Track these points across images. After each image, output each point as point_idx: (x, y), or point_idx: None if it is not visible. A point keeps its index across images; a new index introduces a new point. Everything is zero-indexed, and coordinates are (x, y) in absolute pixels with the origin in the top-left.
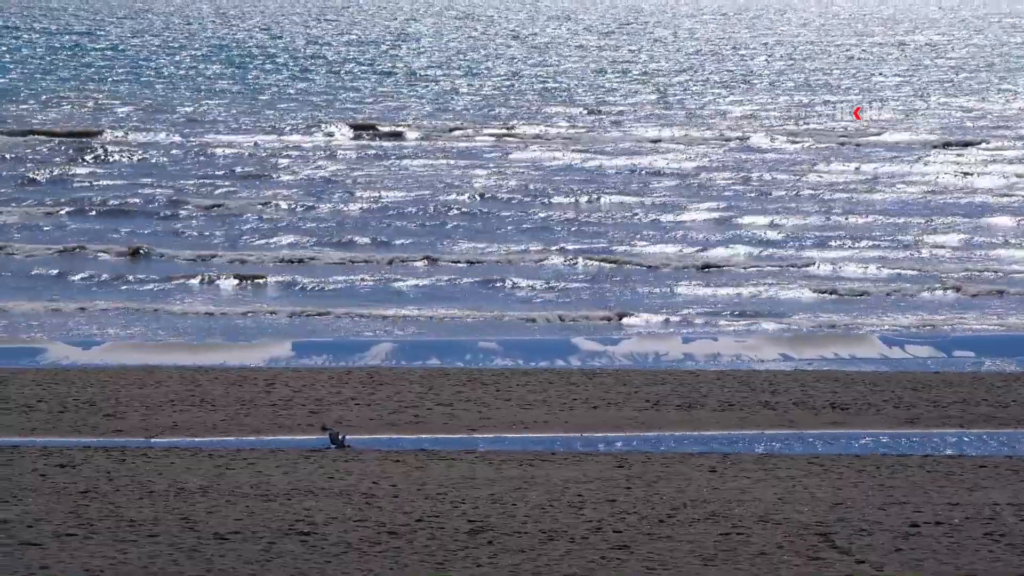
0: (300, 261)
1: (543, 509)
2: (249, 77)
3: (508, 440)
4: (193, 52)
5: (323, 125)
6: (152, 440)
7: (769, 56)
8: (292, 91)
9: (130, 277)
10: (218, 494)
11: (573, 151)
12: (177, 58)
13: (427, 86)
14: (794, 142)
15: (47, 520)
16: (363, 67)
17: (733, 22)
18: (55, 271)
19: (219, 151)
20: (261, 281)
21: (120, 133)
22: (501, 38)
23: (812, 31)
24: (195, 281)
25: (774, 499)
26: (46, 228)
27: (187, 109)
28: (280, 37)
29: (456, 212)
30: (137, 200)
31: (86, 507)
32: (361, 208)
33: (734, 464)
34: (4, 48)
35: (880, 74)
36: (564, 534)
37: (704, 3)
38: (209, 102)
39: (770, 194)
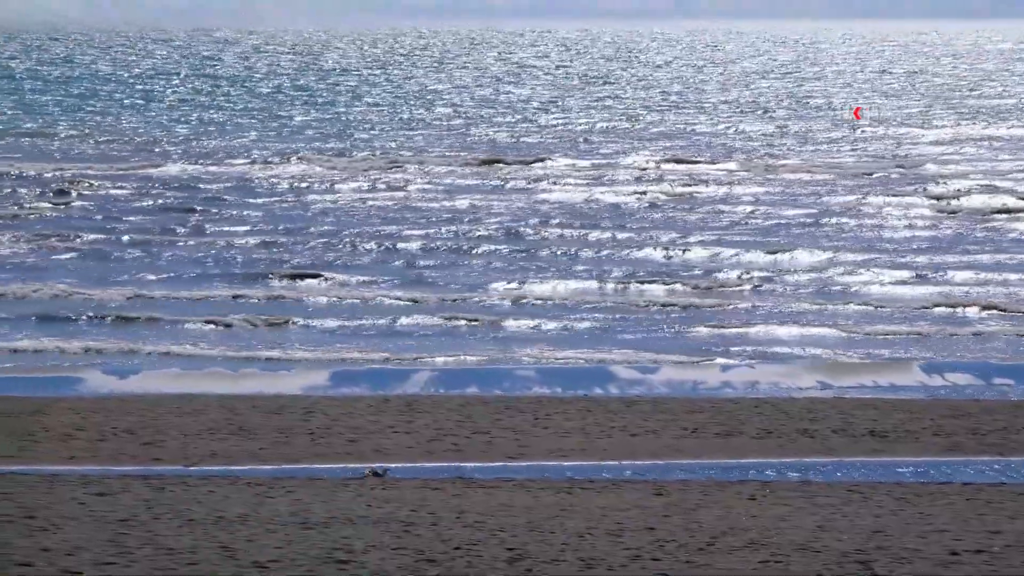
0: (367, 300)
1: (581, 537)
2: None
3: (546, 468)
4: (172, 84)
5: (301, 154)
6: (191, 468)
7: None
8: (260, 119)
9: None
10: (257, 522)
11: (579, 183)
12: (149, 87)
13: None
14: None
15: (87, 548)
16: (346, 96)
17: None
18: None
19: (191, 182)
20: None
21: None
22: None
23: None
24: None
25: (813, 527)
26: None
27: (155, 141)
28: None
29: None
30: (107, 236)
31: (125, 535)
32: (361, 239)
33: (773, 492)
34: None
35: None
36: (603, 562)
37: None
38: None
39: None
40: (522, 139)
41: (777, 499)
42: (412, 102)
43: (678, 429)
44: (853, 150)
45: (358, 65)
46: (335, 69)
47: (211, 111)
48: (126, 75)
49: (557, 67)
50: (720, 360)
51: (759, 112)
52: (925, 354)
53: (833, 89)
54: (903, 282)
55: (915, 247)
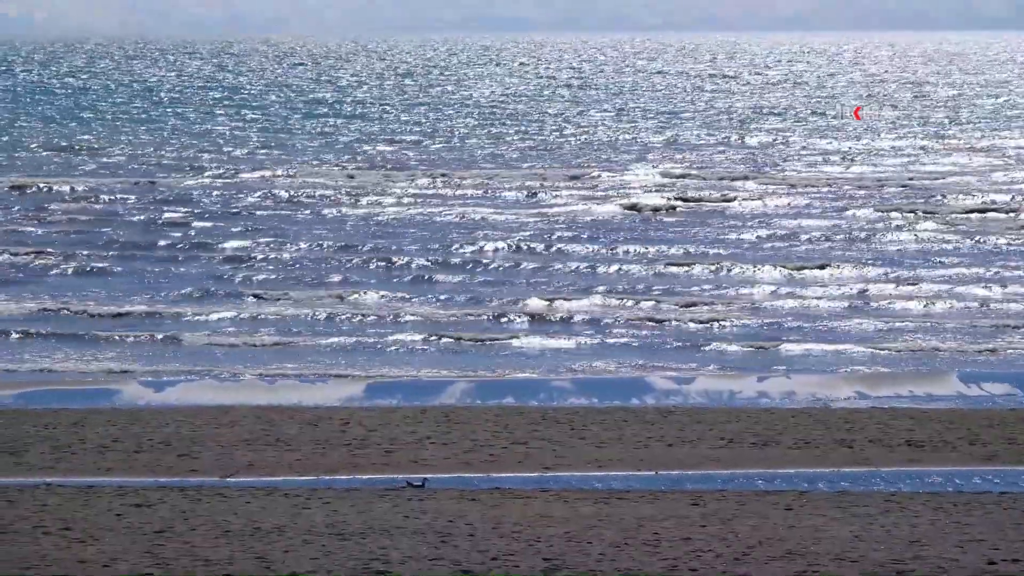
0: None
1: (618, 547)
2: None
3: (583, 478)
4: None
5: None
6: (227, 479)
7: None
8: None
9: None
10: (294, 533)
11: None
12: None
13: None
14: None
15: (123, 559)
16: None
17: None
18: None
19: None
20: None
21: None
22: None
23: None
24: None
25: (850, 537)
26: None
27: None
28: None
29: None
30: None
31: (162, 546)
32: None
33: (810, 502)
34: None
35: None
36: (639, 572)
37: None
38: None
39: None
40: (528, 152)
41: (814, 509)
42: (423, 115)
43: (714, 439)
44: (856, 162)
45: (368, 77)
46: (351, 83)
47: (220, 124)
48: (139, 87)
49: (577, 78)
50: (756, 371)
51: (769, 122)
52: (960, 365)
53: (847, 99)
54: (925, 295)
55: (933, 260)
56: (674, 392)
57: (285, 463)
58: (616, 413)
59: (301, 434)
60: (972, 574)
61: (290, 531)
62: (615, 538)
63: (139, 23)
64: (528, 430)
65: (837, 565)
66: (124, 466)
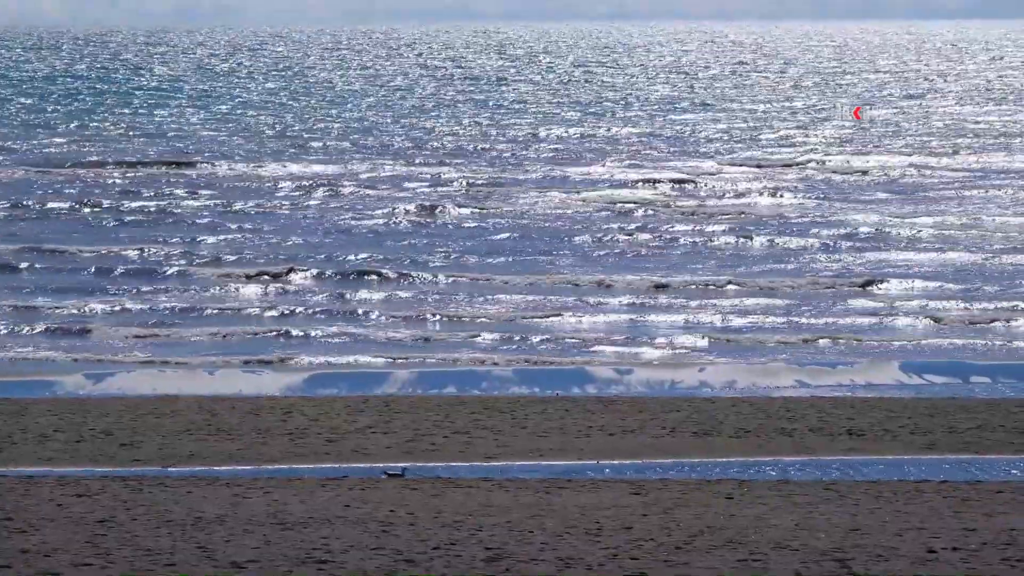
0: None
1: (560, 536)
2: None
3: (524, 468)
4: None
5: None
6: (169, 469)
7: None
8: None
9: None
10: (235, 523)
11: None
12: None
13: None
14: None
15: (64, 550)
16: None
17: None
18: None
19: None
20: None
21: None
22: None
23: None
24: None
25: (791, 525)
26: None
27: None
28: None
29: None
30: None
31: (103, 536)
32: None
33: (751, 490)
34: None
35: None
36: (581, 561)
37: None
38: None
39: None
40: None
41: (754, 498)
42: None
43: (656, 428)
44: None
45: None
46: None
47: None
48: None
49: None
50: (697, 359)
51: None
52: (902, 353)
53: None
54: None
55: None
56: (616, 381)
57: (227, 452)
58: (558, 403)
59: (243, 424)
60: (912, 562)
61: (231, 521)
62: (556, 527)
63: (82, 11)
64: (470, 419)
65: (778, 553)
66: (66, 456)
